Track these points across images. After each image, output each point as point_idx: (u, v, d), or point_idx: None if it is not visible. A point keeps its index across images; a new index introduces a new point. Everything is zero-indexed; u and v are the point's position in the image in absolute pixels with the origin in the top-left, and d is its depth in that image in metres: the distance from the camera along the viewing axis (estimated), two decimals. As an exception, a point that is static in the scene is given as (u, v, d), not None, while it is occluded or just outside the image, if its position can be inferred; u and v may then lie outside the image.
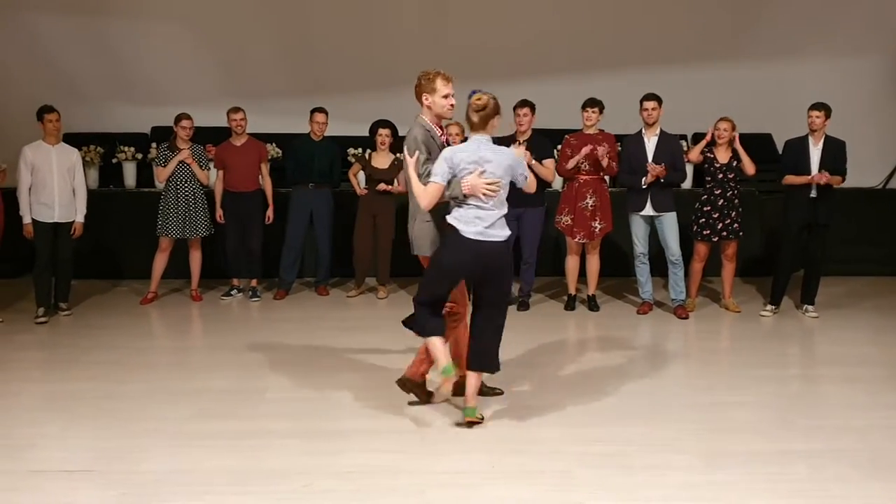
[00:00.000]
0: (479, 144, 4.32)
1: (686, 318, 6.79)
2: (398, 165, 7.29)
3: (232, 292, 7.49)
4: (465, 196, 4.24)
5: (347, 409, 4.63)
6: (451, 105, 4.47)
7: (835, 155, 6.71)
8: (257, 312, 7.08)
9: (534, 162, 6.65)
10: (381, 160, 7.38)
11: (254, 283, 7.47)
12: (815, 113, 6.73)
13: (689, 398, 4.82)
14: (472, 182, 4.21)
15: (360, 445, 4.09)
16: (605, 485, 3.66)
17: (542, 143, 6.89)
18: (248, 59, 9.47)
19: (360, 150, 8.27)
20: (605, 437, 4.22)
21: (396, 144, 7.26)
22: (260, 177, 7.40)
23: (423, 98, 4.50)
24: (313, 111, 7.54)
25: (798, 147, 6.81)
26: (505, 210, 4.39)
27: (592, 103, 6.84)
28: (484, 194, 4.22)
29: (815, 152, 6.73)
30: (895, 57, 9.96)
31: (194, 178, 7.17)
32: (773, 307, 6.97)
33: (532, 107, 6.79)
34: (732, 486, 3.66)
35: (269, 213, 7.41)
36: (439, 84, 4.44)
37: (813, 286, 6.97)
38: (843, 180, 6.81)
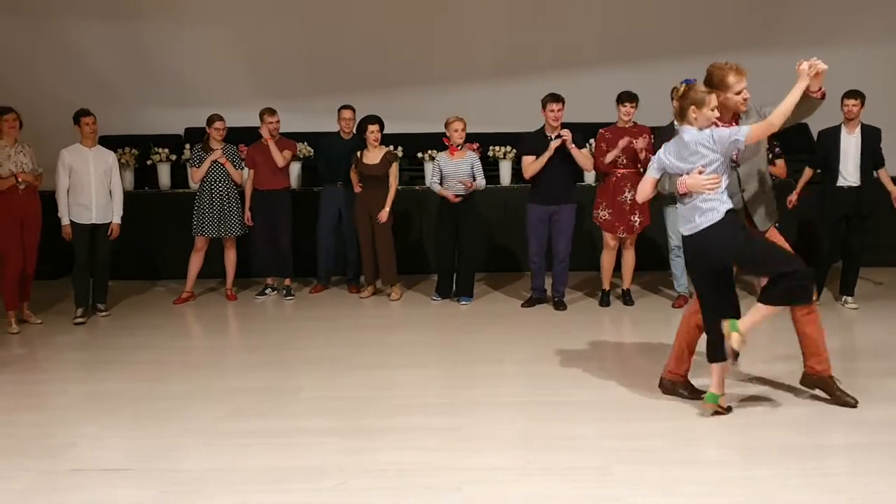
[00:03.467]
0: (676, 138, 4.33)
1: (722, 311, 6.70)
2: (389, 159, 7.24)
3: (266, 291, 7.56)
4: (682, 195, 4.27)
5: (381, 407, 4.64)
6: (745, 99, 4.33)
7: (873, 143, 6.60)
8: (291, 311, 7.14)
9: (574, 147, 6.62)
10: (372, 156, 7.24)
11: (287, 281, 7.52)
12: (851, 101, 6.60)
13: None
14: (690, 182, 4.20)
15: (394, 443, 4.10)
16: (643, 480, 3.63)
17: (574, 136, 6.83)
18: (277, 58, 9.55)
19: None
20: (640, 432, 4.19)
21: (385, 139, 7.33)
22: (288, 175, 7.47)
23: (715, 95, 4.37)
24: (341, 108, 7.58)
25: (831, 136, 6.70)
26: (700, 199, 4.20)
27: (629, 97, 6.76)
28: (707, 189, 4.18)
29: (852, 140, 6.63)
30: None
31: (228, 178, 7.24)
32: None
33: (563, 101, 6.73)
34: (770, 480, 3.60)
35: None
36: (731, 79, 4.31)
37: (852, 277, 6.86)
38: (883, 166, 6.71)
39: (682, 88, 4.26)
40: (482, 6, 9.77)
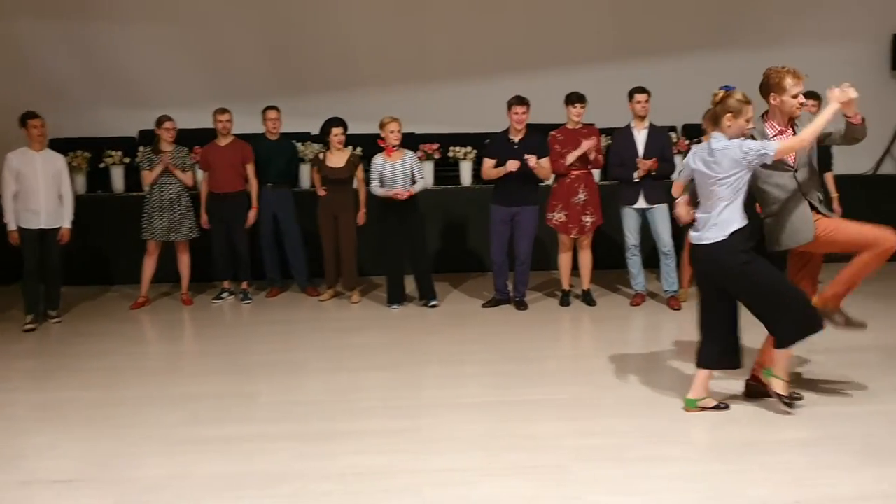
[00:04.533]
0: (704, 143, 4.37)
1: (679, 308, 6.78)
2: (354, 163, 7.17)
3: (223, 295, 7.45)
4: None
5: (342, 411, 4.60)
6: (801, 104, 4.30)
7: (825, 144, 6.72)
8: (248, 315, 7.04)
9: (536, 164, 6.62)
10: (336, 159, 7.14)
11: (244, 285, 7.42)
12: (809, 102, 6.71)
13: (683, 389, 4.80)
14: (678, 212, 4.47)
15: (354, 447, 4.06)
16: (600, 478, 3.65)
17: (541, 141, 6.79)
18: (233, 59, 9.43)
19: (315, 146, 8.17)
20: (600, 430, 4.21)
21: (349, 141, 7.22)
22: (245, 178, 7.33)
23: (771, 98, 4.35)
24: (266, 109, 7.47)
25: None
26: (716, 212, 4.22)
27: (579, 98, 6.77)
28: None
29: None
30: (884, 42, 10.02)
31: (178, 181, 7.12)
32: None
33: (528, 104, 6.70)
34: (728, 475, 3.65)
35: (251, 214, 7.32)
36: (789, 81, 4.27)
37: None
38: (830, 170, 6.87)
39: (720, 94, 4.25)
40: (443, 7, 9.77)
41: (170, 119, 7.10)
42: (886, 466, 3.70)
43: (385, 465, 3.84)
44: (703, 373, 4.44)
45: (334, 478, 3.72)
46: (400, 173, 6.79)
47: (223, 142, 7.27)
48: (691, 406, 4.44)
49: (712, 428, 4.25)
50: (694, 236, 4.36)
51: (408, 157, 6.90)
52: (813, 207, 4.35)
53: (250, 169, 7.33)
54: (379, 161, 6.87)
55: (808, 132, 4.14)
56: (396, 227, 6.87)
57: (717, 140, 4.21)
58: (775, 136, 4.34)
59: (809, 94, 6.72)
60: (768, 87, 4.32)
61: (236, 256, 7.36)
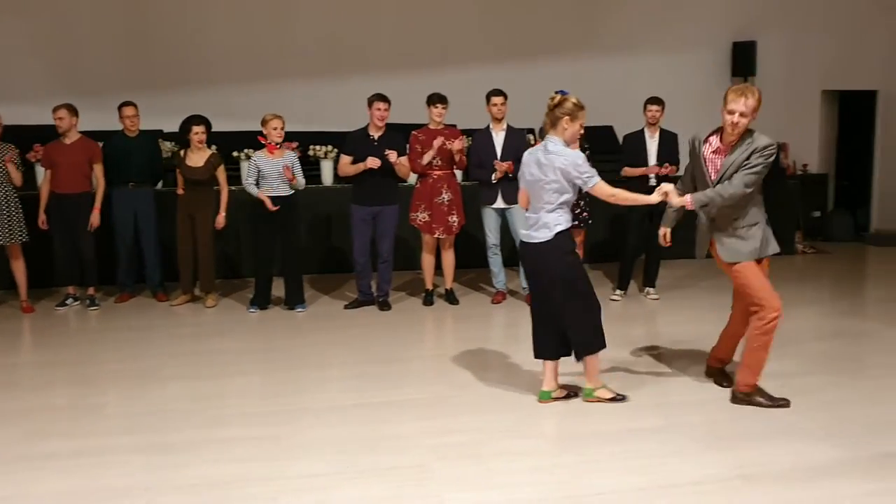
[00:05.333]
0: (539, 146, 4.43)
1: (538, 305, 6.96)
2: (214, 163, 6.96)
3: (67, 301, 7.03)
4: None
5: (196, 420, 4.42)
6: (734, 123, 4.20)
7: (669, 146, 7.09)
8: (96, 322, 6.67)
9: (397, 161, 6.61)
10: (196, 158, 6.91)
11: (91, 290, 7.03)
12: (654, 107, 7.08)
13: (537, 384, 4.92)
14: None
15: (208, 456, 3.92)
16: (459, 475, 3.67)
17: (398, 139, 6.82)
18: (79, 53, 8.96)
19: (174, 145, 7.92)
20: (458, 427, 4.24)
21: (209, 140, 7.03)
22: (90, 179, 6.95)
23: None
24: (122, 105, 7.14)
25: (636, 140, 7.14)
26: (544, 213, 4.33)
27: (440, 99, 6.82)
28: None
29: (652, 144, 7.09)
30: (725, 50, 10.72)
31: (6, 181, 6.64)
32: (622, 291, 7.29)
33: (389, 101, 6.70)
34: (578, 466, 3.76)
35: (94, 216, 6.90)
36: (728, 97, 4.21)
37: (653, 270, 7.34)
38: (678, 170, 7.19)
39: (557, 98, 4.33)
40: (306, 4, 9.63)
41: None
42: (726, 451, 3.92)
43: (240, 473, 3.72)
44: (551, 364, 4.57)
45: (185, 489, 3.57)
46: (279, 171, 6.62)
47: (68, 140, 6.85)
48: (545, 398, 4.55)
49: (564, 420, 4.38)
50: (524, 234, 4.49)
51: (288, 155, 6.74)
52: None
53: (98, 169, 6.94)
54: (259, 157, 6.68)
55: (622, 196, 4.38)
56: (269, 228, 6.70)
57: (553, 143, 4.33)
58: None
59: (654, 100, 7.12)
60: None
61: (81, 260, 6.95)
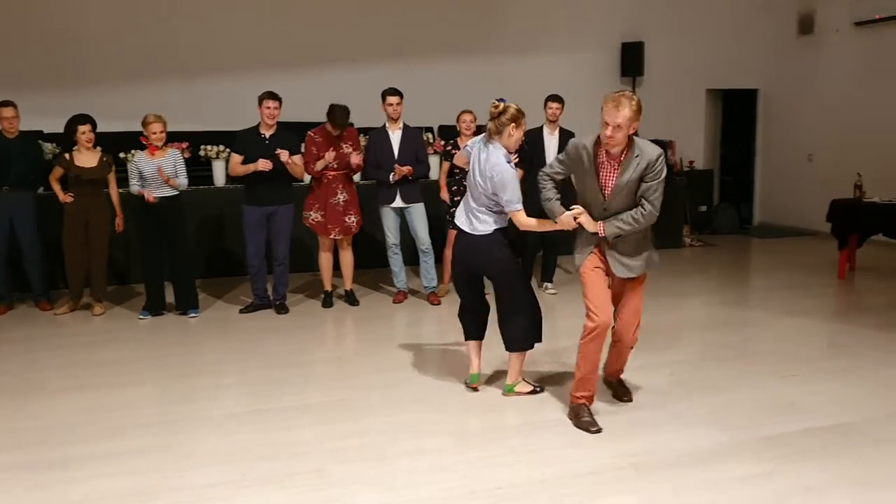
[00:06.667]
0: (484, 150, 4.46)
1: (438, 303, 6.99)
2: (108, 164, 6.72)
3: (-60, 315, 6.61)
4: None
5: (84, 433, 4.23)
6: (608, 136, 3.97)
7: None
8: (-26, 335, 6.30)
9: (290, 160, 6.49)
10: (87, 159, 6.65)
11: (-32, 301, 6.63)
12: (555, 104, 7.19)
13: (443, 382, 4.94)
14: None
15: (96, 471, 3.75)
16: (360, 478, 3.64)
17: (290, 138, 6.70)
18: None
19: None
20: (357, 430, 4.21)
21: (97, 141, 6.77)
22: None
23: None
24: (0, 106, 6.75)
25: (536, 137, 7.24)
26: (485, 209, 4.42)
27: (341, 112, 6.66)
28: None
29: (552, 142, 7.19)
30: (615, 51, 11.05)
31: None
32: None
33: (279, 99, 6.58)
34: (481, 461, 3.79)
35: None
36: (604, 108, 4.00)
37: (551, 265, 7.48)
38: None
39: (500, 106, 4.36)
40: (192, 2, 9.38)
41: None
42: (621, 442, 4.02)
43: (130, 487, 3.57)
44: (475, 344, 4.79)
45: (74, 507, 3.40)
46: (163, 170, 6.39)
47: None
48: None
49: (470, 417, 4.40)
50: (461, 222, 4.53)
51: (171, 154, 6.51)
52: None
53: None
54: (140, 158, 6.44)
55: (532, 224, 4.39)
56: (156, 230, 6.47)
57: (496, 151, 4.37)
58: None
59: (554, 98, 7.24)
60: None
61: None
